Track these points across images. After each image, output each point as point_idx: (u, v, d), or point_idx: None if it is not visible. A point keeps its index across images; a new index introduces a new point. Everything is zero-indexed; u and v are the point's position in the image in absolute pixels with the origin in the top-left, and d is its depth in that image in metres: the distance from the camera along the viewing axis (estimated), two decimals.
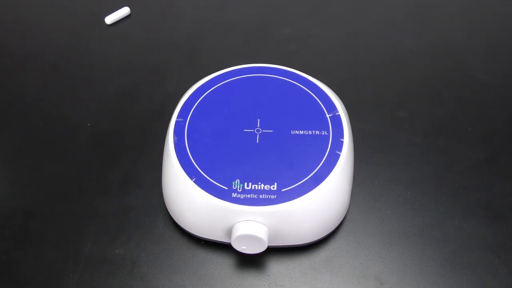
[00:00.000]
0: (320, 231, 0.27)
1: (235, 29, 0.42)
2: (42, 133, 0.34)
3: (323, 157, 0.26)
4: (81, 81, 0.38)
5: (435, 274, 0.27)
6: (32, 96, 0.37)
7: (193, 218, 0.26)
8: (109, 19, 0.43)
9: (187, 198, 0.26)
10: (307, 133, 0.28)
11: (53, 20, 0.44)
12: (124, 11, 0.43)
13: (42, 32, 0.43)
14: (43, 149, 0.33)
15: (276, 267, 0.27)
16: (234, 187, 0.25)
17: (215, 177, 0.26)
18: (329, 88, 0.31)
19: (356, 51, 0.40)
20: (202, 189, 0.25)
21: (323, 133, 0.28)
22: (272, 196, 0.25)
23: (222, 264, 0.27)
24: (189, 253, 0.28)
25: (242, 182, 0.25)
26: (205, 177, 0.26)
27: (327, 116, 0.29)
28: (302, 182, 0.25)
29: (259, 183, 0.25)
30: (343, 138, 0.27)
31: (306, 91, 0.30)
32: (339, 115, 0.29)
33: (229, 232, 0.25)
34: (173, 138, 0.27)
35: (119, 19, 0.43)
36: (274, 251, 0.27)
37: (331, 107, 0.29)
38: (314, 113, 0.29)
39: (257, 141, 0.27)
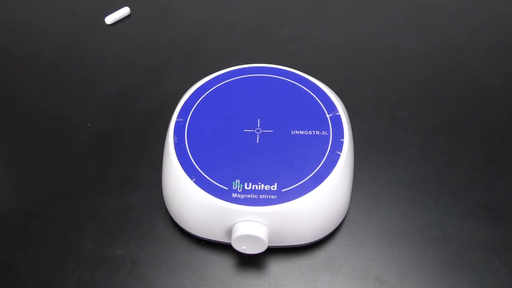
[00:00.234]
0: (320, 231, 0.27)
1: (235, 29, 0.42)
2: (42, 133, 0.34)
3: (323, 157, 0.26)
4: (81, 81, 0.38)
5: (435, 274, 0.27)
6: (32, 96, 0.37)
7: (193, 218, 0.26)
8: (109, 19, 0.43)
9: (187, 198, 0.26)
10: (307, 133, 0.28)
11: (53, 20, 0.44)
12: (124, 11, 0.43)
13: (42, 32, 0.43)
14: (43, 149, 0.33)
15: (276, 267, 0.27)
16: (234, 187, 0.25)
17: (215, 177, 0.25)
18: (329, 88, 0.31)
19: (356, 51, 0.40)
20: (202, 189, 0.25)
21: (323, 133, 0.28)
22: (272, 196, 0.25)
23: (222, 264, 0.27)
24: (189, 253, 0.28)
25: (242, 182, 0.25)
26: (205, 177, 0.26)
27: (327, 116, 0.29)
28: (302, 182, 0.25)
29: (259, 183, 0.25)
30: (343, 138, 0.27)
31: (306, 91, 0.30)
32: (339, 115, 0.29)
33: (229, 232, 0.25)
34: (173, 138, 0.27)
35: (119, 19, 0.43)
36: (274, 251, 0.27)
37: (331, 107, 0.29)
38: (314, 113, 0.29)
39: (257, 141, 0.27)
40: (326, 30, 0.42)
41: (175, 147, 0.27)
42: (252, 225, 0.24)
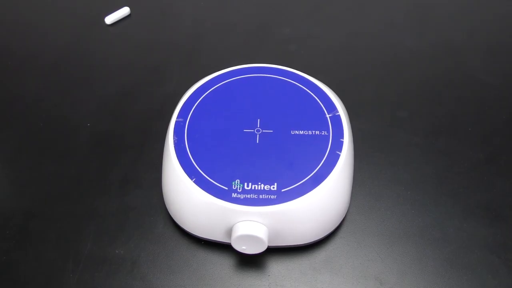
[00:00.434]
0: (320, 231, 0.27)
1: (235, 29, 0.42)
2: (42, 133, 0.34)
3: (323, 157, 0.26)
4: (81, 81, 0.38)
5: (435, 274, 0.27)
6: (32, 96, 0.37)
7: (193, 218, 0.26)
8: (109, 19, 0.43)
9: (187, 198, 0.26)
10: (307, 133, 0.28)
11: (53, 20, 0.44)
12: (124, 11, 0.43)
13: (42, 32, 0.43)
14: (43, 149, 0.33)
15: (276, 267, 0.27)
16: (234, 187, 0.25)
17: (215, 177, 0.25)
18: (329, 88, 0.31)
19: (356, 51, 0.40)
20: (202, 189, 0.25)
21: (323, 133, 0.28)
22: (272, 196, 0.25)
23: (222, 264, 0.27)
24: (189, 253, 0.28)
25: (242, 182, 0.25)
26: (205, 177, 0.26)
27: (327, 116, 0.29)
28: (302, 182, 0.25)
29: (259, 183, 0.25)
30: (343, 138, 0.27)
31: (306, 91, 0.30)
32: (339, 115, 0.29)
33: (229, 232, 0.25)
34: (173, 138, 0.27)
35: (119, 19, 0.43)
36: (274, 251, 0.27)
37: (331, 107, 0.29)
38: (314, 113, 0.29)
39: (257, 141, 0.27)
40: (326, 30, 0.42)
41: (175, 147, 0.27)
42: (252, 225, 0.24)
